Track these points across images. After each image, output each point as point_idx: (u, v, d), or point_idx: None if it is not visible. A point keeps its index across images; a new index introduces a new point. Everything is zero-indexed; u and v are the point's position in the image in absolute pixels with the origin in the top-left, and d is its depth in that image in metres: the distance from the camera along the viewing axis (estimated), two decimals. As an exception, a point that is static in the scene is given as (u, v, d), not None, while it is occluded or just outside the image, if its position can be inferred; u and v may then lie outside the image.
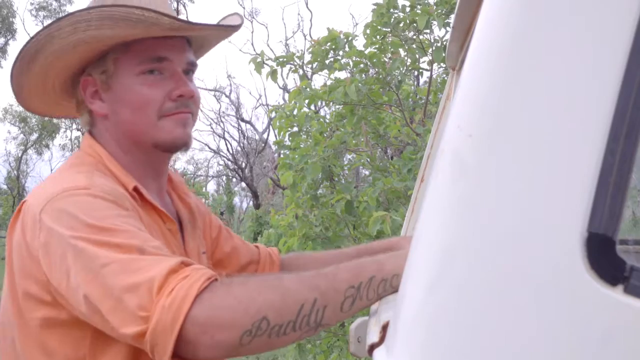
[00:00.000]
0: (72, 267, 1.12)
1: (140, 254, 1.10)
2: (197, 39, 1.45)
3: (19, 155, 30.79)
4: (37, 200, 1.23)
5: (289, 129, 4.76)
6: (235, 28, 1.45)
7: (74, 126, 31.74)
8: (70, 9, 36.56)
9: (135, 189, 1.35)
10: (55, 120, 30.72)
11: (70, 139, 32.92)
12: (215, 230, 1.70)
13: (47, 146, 32.21)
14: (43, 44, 1.31)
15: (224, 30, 1.45)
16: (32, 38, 1.31)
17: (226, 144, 24.48)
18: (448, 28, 3.89)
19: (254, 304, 1.03)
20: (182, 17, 1.40)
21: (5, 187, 32.51)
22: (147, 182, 1.40)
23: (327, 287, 1.08)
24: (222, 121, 24.39)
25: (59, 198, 1.20)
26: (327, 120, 4.85)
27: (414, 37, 4.31)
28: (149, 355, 1.08)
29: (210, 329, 1.02)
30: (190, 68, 1.41)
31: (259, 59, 4.66)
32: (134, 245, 1.11)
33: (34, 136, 31.24)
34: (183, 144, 1.40)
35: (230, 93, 24.47)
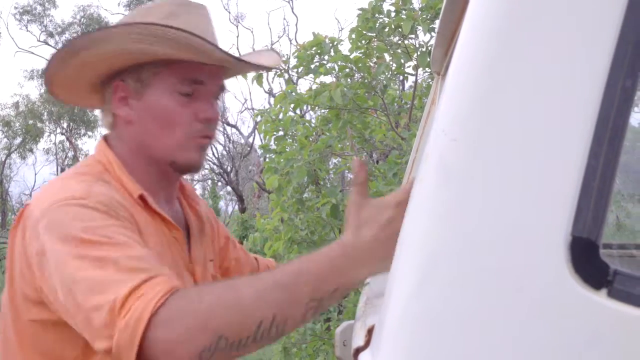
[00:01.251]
0: (56, 279, 1.16)
1: (114, 268, 1.12)
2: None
3: (3, 159, 30.57)
4: (37, 207, 1.25)
5: (275, 133, 4.75)
6: (272, 68, 1.52)
7: (58, 130, 31.58)
8: (54, 13, 36.31)
9: (141, 197, 1.36)
10: (39, 125, 30.56)
11: (55, 143, 32.74)
12: (222, 239, 1.72)
13: (31, 150, 31.99)
14: (98, 42, 1.32)
15: (264, 69, 1.52)
16: (97, 30, 1.34)
17: (211, 148, 24.40)
18: (433, 33, 3.91)
19: (211, 321, 1.04)
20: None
21: (-12, 191, 32.27)
22: (155, 190, 1.42)
23: (287, 302, 1.06)
24: (207, 125, 24.28)
25: (54, 208, 1.22)
26: (313, 125, 4.85)
27: (399, 42, 4.32)
28: None
29: (169, 345, 1.04)
30: (220, 93, 1.46)
31: (244, 63, 4.64)
32: (111, 258, 1.13)
33: (18, 140, 31.03)
34: (195, 169, 1.44)
35: (215, 97, 24.35)
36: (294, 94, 4.51)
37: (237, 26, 23.74)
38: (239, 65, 1.47)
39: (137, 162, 1.41)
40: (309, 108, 4.79)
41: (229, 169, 23.31)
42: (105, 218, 1.21)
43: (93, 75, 1.41)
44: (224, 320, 1.04)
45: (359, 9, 4.27)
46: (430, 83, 4.69)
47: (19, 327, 1.30)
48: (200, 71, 1.39)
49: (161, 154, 1.40)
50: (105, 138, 1.46)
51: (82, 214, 1.21)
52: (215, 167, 24.35)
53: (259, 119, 5.17)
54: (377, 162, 5.54)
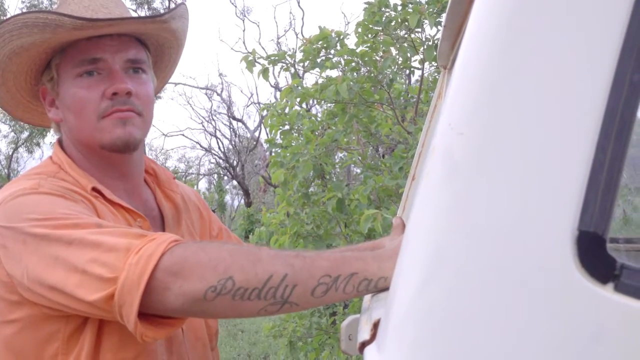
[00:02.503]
0: (32, 258, 1.15)
1: (98, 229, 1.13)
2: (149, 37, 1.44)
3: (10, 153, 30.66)
4: None
5: (281, 127, 4.75)
6: (156, 19, 1.40)
7: (65, 124, 31.63)
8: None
9: (94, 189, 1.36)
10: (45, 118, 30.57)
11: (61, 137, 32.79)
12: (215, 229, 1.71)
13: (38, 144, 32.06)
14: None
15: (150, 22, 1.40)
16: None
17: (218, 142, 24.47)
18: (439, 27, 3.89)
19: (223, 263, 1.06)
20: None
21: (-5, 185, 32.35)
22: (109, 182, 1.42)
23: (301, 268, 1.08)
24: (213, 119, 24.39)
25: (6, 201, 1.23)
26: (319, 119, 4.84)
27: (406, 35, 4.31)
28: (119, 321, 1.11)
29: (177, 277, 1.06)
30: (132, 66, 1.39)
31: (250, 58, 4.64)
32: (91, 222, 1.15)
33: (25, 134, 31.11)
34: (124, 144, 1.37)
35: (221, 91, 24.43)
36: (300, 88, 4.50)
37: (243, 20, 23.67)
38: (148, 33, 1.42)
39: (83, 157, 1.42)
40: (315, 102, 4.79)
41: (235, 163, 23.35)
42: (62, 200, 1.23)
43: (18, 88, 1.43)
44: (237, 262, 1.06)
45: (365, 3, 4.26)
46: (437, 77, 4.69)
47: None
48: (92, 48, 1.35)
49: (89, 141, 1.39)
50: (59, 140, 1.47)
51: (39, 198, 1.22)
52: (221, 161, 24.40)
53: (265, 113, 5.17)
54: (383, 156, 5.54)
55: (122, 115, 1.35)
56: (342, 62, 4.35)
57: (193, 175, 28.89)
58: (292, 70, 5.16)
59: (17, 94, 1.46)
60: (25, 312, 1.23)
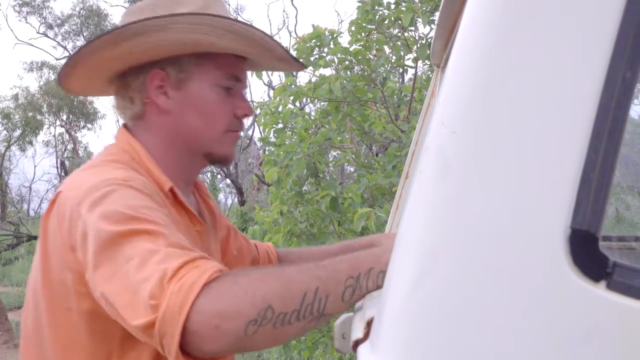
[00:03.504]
0: (98, 260, 1.12)
1: (165, 243, 1.10)
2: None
3: (2, 151, 30.54)
4: (76, 192, 1.22)
5: (274, 125, 4.75)
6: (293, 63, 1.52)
7: (58, 123, 31.56)
8: (53, 4, 36.25)
9: (171, 190, 1.36)
10: (38, 117, 30.50)
11: (54, 136, 32.71)
12: (224, 231, 1.71)
13: (31, 143, 31.95)
14: (152, 30, 1.31)
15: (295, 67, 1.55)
16: (139, 21, 1.31)
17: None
18: (433, 25, 3.90)
19: (259, 292, 1.03)
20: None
21: (-13, 183, 32.26)
22: (179, 183, 1.42)
23: (327, 277, 1.08)
24: (206, 117, 24.29)
25: (98, 188, 1.20)
26: (312, 117, 4.85)
27: (399, 34, 4.31)
28: (161, 352, 1.06)
29: (215, 319, 1.01)
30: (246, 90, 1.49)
31: (243, 56, 4.63)
32: (162, 233, 1.11)
33: (17, 133, 31.00)
34: (229, 161, 1.47)
35: (215, 89, 24.33)
36: (293, 86, 4.51)
37: (236, 18, 23.61)
38: (269, 64, 1.50)
39: (167, 152, 1.41)
40: (309, 100, 4.79)
41: (228, 161, 23.25)
42: (148, 200, 1.20)
43: (122, 65, 1.39)
44: (272, 287, 1.04)
45: (358, 1, 4.27)
46: (430, 75, 4.69)
47: (54, 317, 1.27)
48: (239, 68, 1.42)
49: (198, 145, 1.41)
50: (126, 127, 1.44)
51: (128, 193, 1.20)
52: (214, 159, 24.27)
53: (258, 111, 5.17)
54: (377, 154, 5.54)
55: (238, 135, 1.46)
56: (336, 60, 4.36)
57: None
58: (286, 68, 5.14)
59: (111, 67, 1.41)
60: (87, 304, 1.21)
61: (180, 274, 1.03)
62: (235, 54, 1.39)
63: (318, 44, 4.38)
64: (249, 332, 1.01)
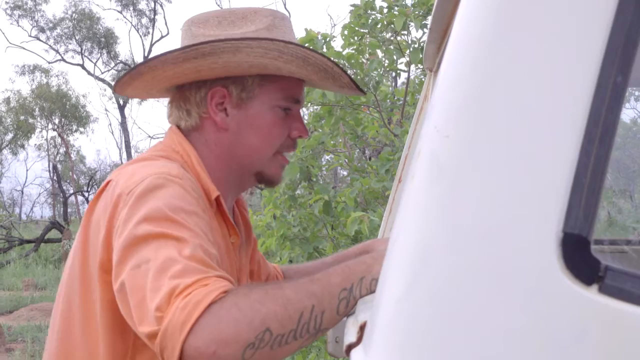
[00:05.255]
0: (126, 252, 1.14)
1: (189, 254, 1.10)
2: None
3: (-6, 155, 30.45)
4: (127, 181, 1.24)
5: (267, 129, 4.73)
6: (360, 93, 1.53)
7: (50, 126, 31.46)
8: (45, 8, 36.21)
9: (217, 198, 1.36)
10: (30, 120, 30.41)
11: (46, 139, 32.61)
12: (253, 244, 1.70)
13: (23, 146, 31.86)
14: (225, 52, 1.31)
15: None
16: (209, 42, 1.31)
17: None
18: (425, 29, 3.91)
19: (258, 315, 1.04)
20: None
21: (-21, 187, 32.10)
22: (226, 196, 1.43)
23: (322, 292, 1.10)
24: (199, 121, 24.27)
25: (149, 180, 1.21)
26: (305, 121, 4.85)
27: (392, 38, 4.32)
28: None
29: (212, 345, 1.02)
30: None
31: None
32: (190, 242, 1.12)
33: (9, 136, 30.90)
34: (276, 183, 1.48)
35: (208, 93, 24.32)
36: (286, 90, 4.49)
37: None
38: (329, 87, 1.51)
39: (218, 167, 1.41)
40: (302, 104, 4.78)
41: (221, 165, 23.24)
42: (193, 204, 1.21)
43: (185, 80, 1.39)
44: (270, 311, 1.05)
45: (351, 5, 4.27)
46: (423, 79, 4.70)
47: (86, 305, 1.28)
48: (299, 90, 1.43)
49: (251, 164, 1.42)
50: (179, 128, 1.44)
51: (177, 192, 1.20)
52: (207, 163, 24.26)
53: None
54: (370, 158, 5.55)
55: (286, 161, 1.47)
56: (329, 64, 4.35)
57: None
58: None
59: (173, 80, 1.42)
60: (110, 295, 1.22)
61: (188, 290, 1.04)
62: (300, 78, 1.41)
63: (311, 47, 4.39)
64: (246, 356, 1.03)
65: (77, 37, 30.03)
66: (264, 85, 1.38)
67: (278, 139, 1.41)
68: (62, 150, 32.25)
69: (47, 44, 30.09)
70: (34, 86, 30.54)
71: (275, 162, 1.43)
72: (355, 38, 4.32)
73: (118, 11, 30.38)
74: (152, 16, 30.50)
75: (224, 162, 1.41)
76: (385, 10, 4.16)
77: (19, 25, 29.63)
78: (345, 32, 4.32)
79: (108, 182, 1.30)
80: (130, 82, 1.41)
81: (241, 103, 1.39)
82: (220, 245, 1.34)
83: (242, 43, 1.30)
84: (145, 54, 30.13)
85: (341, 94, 1.60)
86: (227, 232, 1.41)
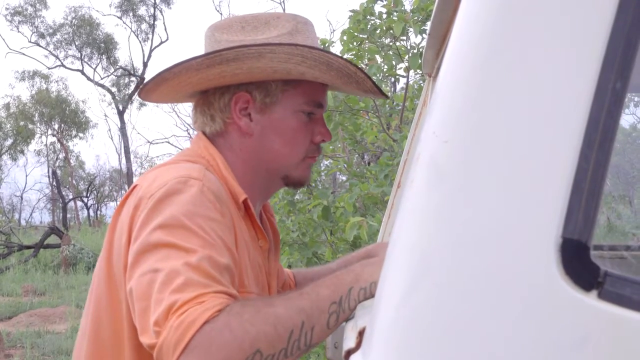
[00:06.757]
0: (138, 257, 1.16)
1: (194, 265, 1.11)
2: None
3: (-7, 161, 30.45)
4: (149, 186, 1.26)
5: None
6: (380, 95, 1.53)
7: (49, 132, 31.48)
8: (45, 14, 36.23)
9: (245, 201, 1.37)
10: (30, 126, 30.45)
11: (46, 145, 32.64)
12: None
13: (22, 152, 31.88)
14: (248, 58, 1.32)
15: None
16: (232, 48, 1.32)
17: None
18: (424, 35, 3.91)
19: (248, 336, 1.05)
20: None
21: (-22, 193, 32.10)
22: (254, 200, 1.43)
23: (311, 307, 1.11)
24: (199, 127, 24.26)
25: (172, 184, 1.22)
26: (305, 126, 4.84)
27: (391, 43, 4.33)
28: None
29: None
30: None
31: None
32: (199, 252, 1.13)
33: (9, 142, 30.91)
34: (304, 184, 1.50)
35: (207, 98, 24.31)
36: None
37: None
38: (351, 91, 1.51)
39: (245, 171, 1.42)
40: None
41: (220, 170, 23.24)
42: (211, 208, 1.21)
43: (208, 85, 1.40)
44: (260, 332, 1.05)
45: (350, 11, 4.28)
46: (422, 85, 4.70)
47: (113, 306, 1.30)
48: (322, 94, 1.44)
49: (277, 168, 1.43)
50: (205, 135, 1.45)
51: (193, 197, 1.21)
52: (206, 168, 24.27)
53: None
54: (369, 163, 5.55)
55: (314, 160, 1.48)
56: (328, 69, 4.35)
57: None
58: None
59: (196, 86, 1.42)
60: (123, 295, 1.23)
61: (184, 308, 1.06)
62: (323, 82, 1.41)
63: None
64: None
65: (76, 43, 30.07)
66: (287, 90, 1.39)
67: (302, 144, 1.42)
68: (61, 155, 32.29)
69: (46, 49, 30.14)
70: (33, 92, 30.60)
71: (303, 165, 1.44)
72: (355, 43, 4.33)
73: (118, 17, 30.46)
74: (152, 22, 30.57)
75: (251, 167, 1.42)
76: (384, 16, 4.17)
77: (19, 31, 29.69)
78: (345, 38, 4.32)
79: (135, 187, 1.32)
80: (155, 88, 1.42)
81: (265, 108, 1.39)
82: (248, 247, 1.36)
83: (266, 49, 1.31)
84: (145, 60, 30.19)
85: (366, 97, 1.60)
86: (255, 236, 1.42)
